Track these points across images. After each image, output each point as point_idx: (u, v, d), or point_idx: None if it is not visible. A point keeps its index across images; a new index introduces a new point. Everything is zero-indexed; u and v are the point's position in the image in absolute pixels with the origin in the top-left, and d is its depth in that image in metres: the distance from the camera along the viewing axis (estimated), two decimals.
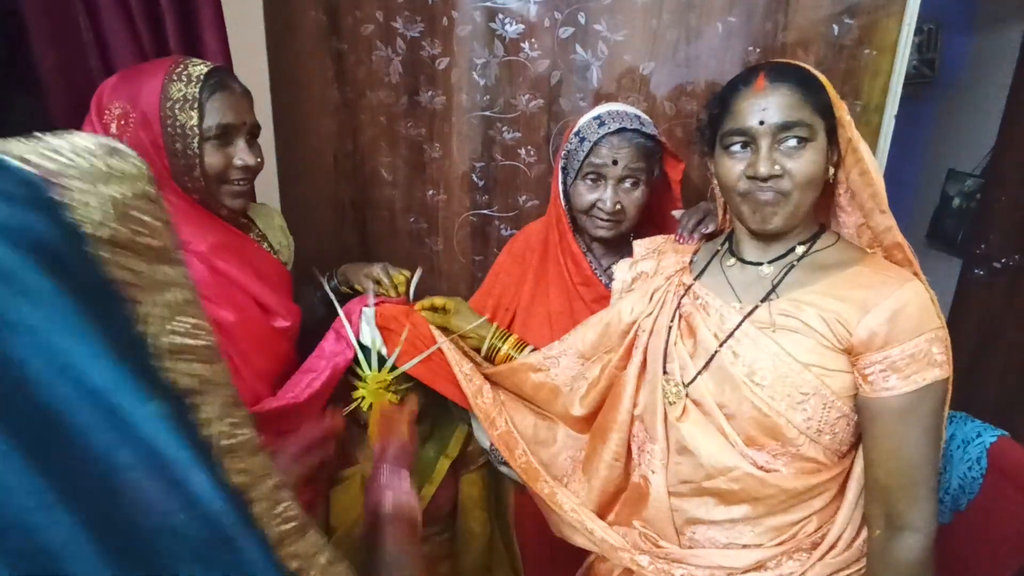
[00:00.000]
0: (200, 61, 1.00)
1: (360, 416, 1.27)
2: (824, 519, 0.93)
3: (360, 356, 1.17)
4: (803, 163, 0.86)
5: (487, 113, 1.45)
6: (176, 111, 0.96)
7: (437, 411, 1.41)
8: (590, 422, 1.16)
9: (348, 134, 1.54)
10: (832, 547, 0.91)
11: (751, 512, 0.91)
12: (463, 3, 1.39)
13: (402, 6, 1.41)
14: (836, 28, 1.27)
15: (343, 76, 1.49)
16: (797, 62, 0.91)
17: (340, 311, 1.19)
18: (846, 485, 0.93)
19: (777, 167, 0.86)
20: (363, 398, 1.19)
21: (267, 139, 1.13)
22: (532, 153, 1.47)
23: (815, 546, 0.92)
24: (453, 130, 1.48)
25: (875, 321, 0.82)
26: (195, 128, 0.97)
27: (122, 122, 0.97)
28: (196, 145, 0.97)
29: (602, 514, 1.10)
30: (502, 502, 1.48)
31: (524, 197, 1.51)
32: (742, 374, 0.88)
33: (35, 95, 1.14)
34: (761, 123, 0.86)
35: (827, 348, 0.85)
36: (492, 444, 1.30)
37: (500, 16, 1.38)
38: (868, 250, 0.93)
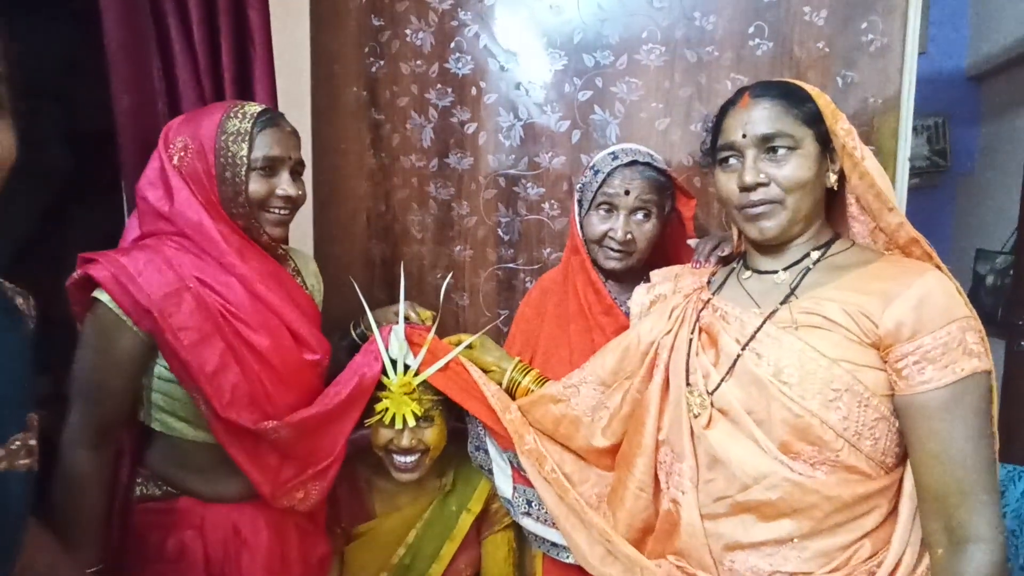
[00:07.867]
0: (256, 104, 1.12)
1: (376, 455, 1.24)
2: (879, 544, 0.84)
3: (388, 366, 1.18)
4: (789, 169, 0.89)
5: (512, 171, 1.54)
6: (229, 143, 1.06)
7: (460, 461, 1.36)
8: (614, 456, 1.10)
9: (381, 196, 1.63)
10: (891, 574, 0.82)
11: (795, 529, 0.84)
12: (490, 75, 1.53)
13: (435, 80, 1.56)
14: (840, 81, 1.36)
15: (379, 143, 1.61)
16: (786, 79, 0.98)
17: (374, 326, 1.24)
18: (898, 504, 0.85)
19: (762, 175, 0.89)
20: (386, 410, 1.18)
21: (306, 203, 1.22)
22: (555, 207, 1.53)
23: (872, 575, 0.83)
24: (480, 188, 1.56)
25: (900, 310, 0.80)
26: (244, 158, 1.06)
27: (183, 153, 1.07)
28: (243, 173, 1.06)
29: None
30: (527, 571, 1.37)
31: (548, 250, 1.55)
32: (768, 374, 0.85)
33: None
34: (744, 136, 0.90)
35: (854, 342, 0.83)
36: (513, 493, 1.24)
37: (524, 84, 1.51)
38: (885, 252, 0.93)
